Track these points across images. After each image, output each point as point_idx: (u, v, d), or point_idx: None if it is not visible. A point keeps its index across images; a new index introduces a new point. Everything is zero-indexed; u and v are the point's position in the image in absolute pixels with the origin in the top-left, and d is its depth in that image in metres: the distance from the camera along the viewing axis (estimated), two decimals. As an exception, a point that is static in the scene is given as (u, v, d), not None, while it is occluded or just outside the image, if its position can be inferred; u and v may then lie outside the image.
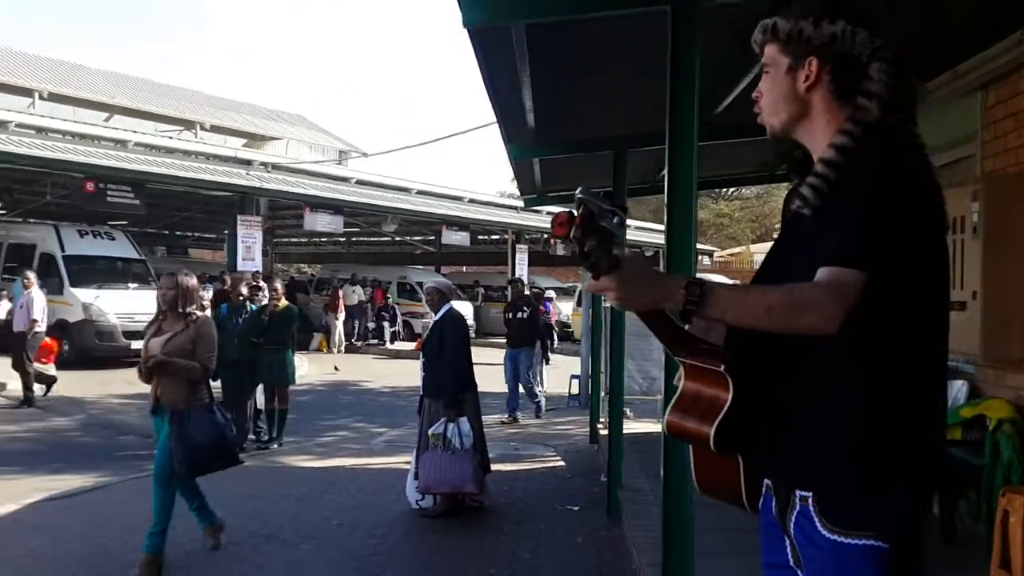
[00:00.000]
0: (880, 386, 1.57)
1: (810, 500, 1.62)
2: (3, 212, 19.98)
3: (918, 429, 1.59)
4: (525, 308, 11.21)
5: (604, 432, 8.02)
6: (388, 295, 23.68)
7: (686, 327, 1.71)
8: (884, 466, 1.57)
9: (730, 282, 2.05)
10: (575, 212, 1.48)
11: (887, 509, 1.57)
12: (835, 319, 1.48)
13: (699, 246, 32.53)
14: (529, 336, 11.14)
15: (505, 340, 11.71)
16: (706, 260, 30.99)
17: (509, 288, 14.69)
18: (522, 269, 25.44)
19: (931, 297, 1.62)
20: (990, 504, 4.30)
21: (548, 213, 26.53)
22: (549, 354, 13.36)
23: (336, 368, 16.60)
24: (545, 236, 26.81)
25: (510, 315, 11.36)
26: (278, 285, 9.72)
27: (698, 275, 1.77)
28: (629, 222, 23.64)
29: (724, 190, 33.11)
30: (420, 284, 22.37)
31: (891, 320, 1.55)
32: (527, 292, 12.62)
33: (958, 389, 5.18)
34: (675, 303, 1.54)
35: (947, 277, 1.68)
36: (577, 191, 1.53)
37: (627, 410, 9.56)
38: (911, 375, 1.59)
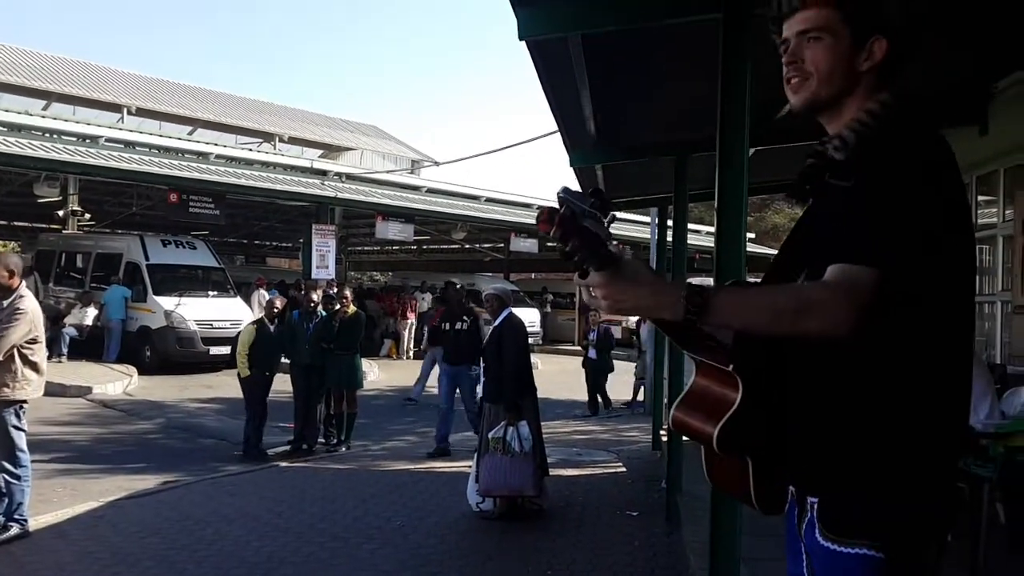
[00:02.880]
0: (889, 388, 1.43)
1: (815, 507, 1.52)
2: (92, 223, 20.90)
3: (928, 436, 1.45)
4: (465, 319, 9.39)
5: (666, 439, 7.98)
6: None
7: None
8: (884, 471, 1.43)
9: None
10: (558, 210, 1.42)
11: (884, 517, 1.43)
12: (846, 323, 1.35)
13: (772, 251, 31.89)
14: (470, 352, 8.99)
15: (444, 354, 9.84)
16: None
17: (440, 293, 13.12)
18: (591, 276, 25.30)
19: (953, 295, 1.47)
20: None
21: (619, 221, 26.45)
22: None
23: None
24: (616, 243, 26.62)
25: (446, 326, 9.58)
26: (347, 292, 9.97)
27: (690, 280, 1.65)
28: (704, 228, 23.29)
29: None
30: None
31: (907, 320, 1.41)
32: (465, 301, 10.83)
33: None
34: (674, 313, 1.41)
35: (972, 274, 1.53)
36: (558, 190, 1.46)
37: (691, 417, 9.48)
38: (926, 378, 1.44)
